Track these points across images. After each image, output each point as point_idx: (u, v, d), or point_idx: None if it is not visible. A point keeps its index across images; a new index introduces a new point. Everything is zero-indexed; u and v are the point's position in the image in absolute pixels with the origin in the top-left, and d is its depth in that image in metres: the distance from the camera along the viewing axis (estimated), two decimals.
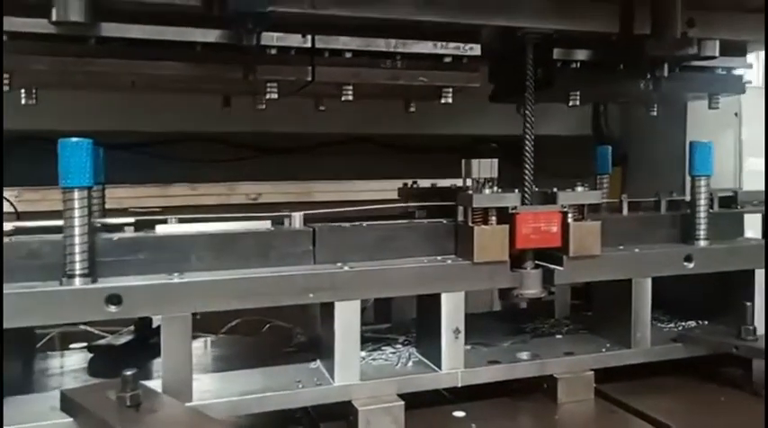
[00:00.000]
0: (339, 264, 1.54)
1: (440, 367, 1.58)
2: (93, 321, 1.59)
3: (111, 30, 1.41)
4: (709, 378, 1.77)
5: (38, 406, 1.36)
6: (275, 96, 1.59)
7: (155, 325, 1.77)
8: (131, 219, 1.48)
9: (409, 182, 2.13)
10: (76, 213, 1.31)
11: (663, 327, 1.96)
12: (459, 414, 1.57)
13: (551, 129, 2.73)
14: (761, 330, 1.76)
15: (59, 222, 1.33)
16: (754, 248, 1.87)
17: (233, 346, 1.85)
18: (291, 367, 1.60)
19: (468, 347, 1.67)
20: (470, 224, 1.62)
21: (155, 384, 1.37)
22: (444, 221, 1.72)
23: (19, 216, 1.82)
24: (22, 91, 1.42)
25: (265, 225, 1.59)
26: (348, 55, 1.61)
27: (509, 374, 1.64)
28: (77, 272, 1.31)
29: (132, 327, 1.84)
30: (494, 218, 1.62)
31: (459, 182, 2.02)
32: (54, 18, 1.26)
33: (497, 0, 1.56)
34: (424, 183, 2.08)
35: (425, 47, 1.65)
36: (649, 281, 1.77)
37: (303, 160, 2.66)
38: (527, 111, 1.76)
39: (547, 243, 1.65)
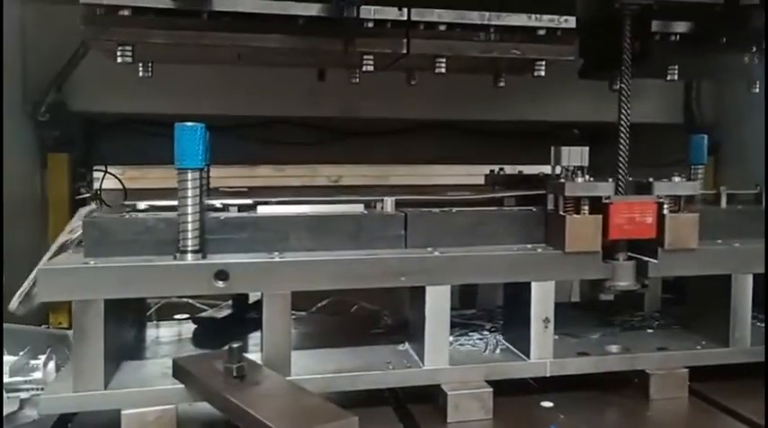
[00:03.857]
0: (429, 249, 1.56)
1: (528, 356, 1.58)
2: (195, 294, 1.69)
3: (221, 4, 1.48)
4: None
5: (151, 371, 1.47)
6: (371, 68, 1.62)
7: (251, 300, 1.86)
8: (237, 201, 1.55)
9: (496, 168, 2.13)
10: (189, 193, 1.38)
11: (760, 326, 1.87)
12: (547, 404, 1.56)
13: (638, 116, 2.66)
14: None
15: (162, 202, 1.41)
16: None
17: (322, 324, 1.92)
18: (381, 348, 1.64)
19: (556, 337, 1.65)
20: (562, 213, 1.59)
21: (252, 357, 1.44)
22: (534, 209, 1.70)
23: (126, 192, 1.95)
24: (140, 65, 1.52)
25: (358, 208, 1.62)
26: (442, 27, 1.61)
27: (599, 367, 1.62)
28: (189, 248, 1.39)
29: (230, 302, 1.93)
30: (586, 207, 1.59)
31: (542, 169, 2.00)
32: None
33: None
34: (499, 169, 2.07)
35: (519, 19, 1.63)
36: (750, 278, 1.69)
37: (384, 144, 2.69)
38: (623, 86, 1.69)
39: (641, 234, 1.61)
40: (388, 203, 1.64)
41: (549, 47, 1.68)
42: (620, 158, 1.70)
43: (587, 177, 1.60)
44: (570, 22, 1.66)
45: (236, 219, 1.50)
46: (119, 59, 1.49)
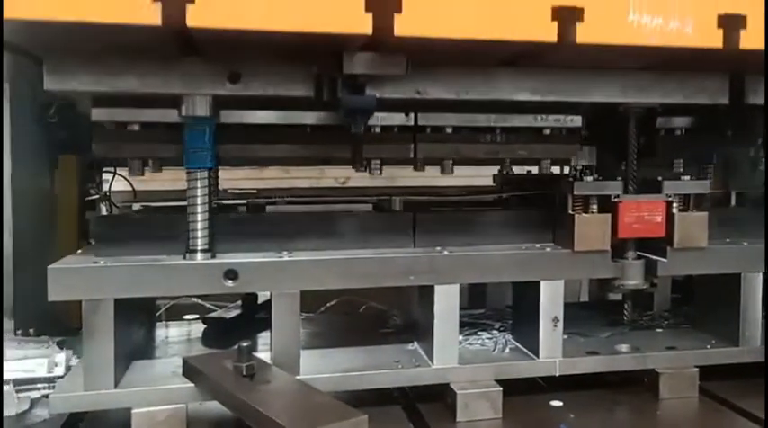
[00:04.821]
0: (438, 248, 1.56)
1: (537, 355, 1.57)
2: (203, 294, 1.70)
3: (228, 117, 1.47)
4: None
5: (161, 371, 1.47)
6: (378, 172, 1.64)
7: (260, 300, 1.86)
8: (244, 201, 1.55)
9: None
10: (199, 192, 1.39)
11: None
12: (557, 403, 1.56)
13: None
14: None
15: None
16: None
17: (331, 324, 1.92)
18: (390, 347, 1.64)
19: (565, 337, 1.64)
20: (570, 212, 1.59)
21: (262, 356, 1.44)
22: (543, 209, 1.70)
23: (135, 194, 1.95)
24: (150, 162, 1.53)
25: (367, 208, 1.63)
26: (449, 130, 1.62)
27: (609, 366, 1.61)
28: (199, 248, 1.39)
29: (239, 302, 1.94)
30: (594, 206, 1.59)
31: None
32: (183, 113, 1.34)
33: (599, 76, 1.51)
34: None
35: (525, 120, 1.65)
36: (760, 277, 1.68)
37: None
38: (630, 181, 1.66)
39: (650, 233, 1.60)
40: (397, 203, 1.64)
41: (555, 146, 1.69)
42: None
43: (596, 176, 1.59)
44: (576, 121, 1.67)
45: (246, 219, 1.51)
46: (127, 174, 1.49)
